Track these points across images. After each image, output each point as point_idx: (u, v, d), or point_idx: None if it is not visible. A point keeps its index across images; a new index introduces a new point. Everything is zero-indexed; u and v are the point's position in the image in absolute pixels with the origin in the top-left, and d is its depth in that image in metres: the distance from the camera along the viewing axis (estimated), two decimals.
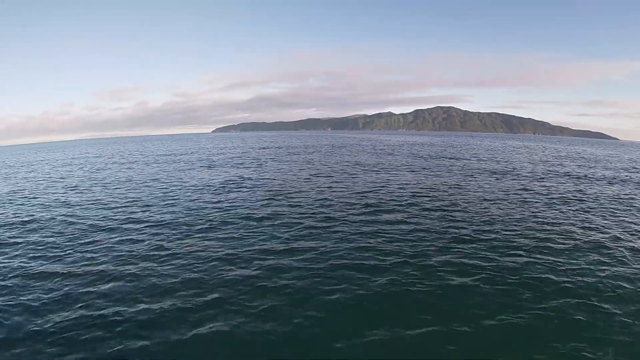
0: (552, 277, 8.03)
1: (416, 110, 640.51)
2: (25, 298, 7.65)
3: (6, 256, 10.07)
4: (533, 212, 13.43)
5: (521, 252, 9.45)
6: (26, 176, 29.79)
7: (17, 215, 14.71)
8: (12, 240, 11.38)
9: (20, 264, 9.44)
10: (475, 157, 37.50)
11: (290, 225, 12.03)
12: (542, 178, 22.15)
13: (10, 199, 18.39)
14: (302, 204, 15.01)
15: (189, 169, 29.09)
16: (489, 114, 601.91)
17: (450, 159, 34.70)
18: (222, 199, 16.32)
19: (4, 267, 9.28)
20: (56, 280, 8.47)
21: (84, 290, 7.94)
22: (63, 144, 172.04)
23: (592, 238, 10.65)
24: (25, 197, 18.90)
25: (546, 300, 7.07)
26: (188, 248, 10.18)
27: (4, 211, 15.54)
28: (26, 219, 13.97)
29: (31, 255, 10.07)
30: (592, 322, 6.36)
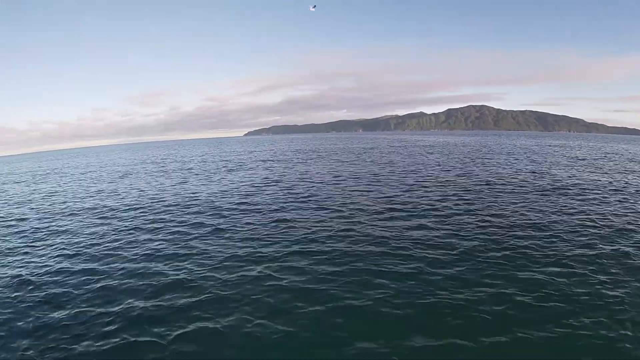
0: (586, 290, 7.37)
1: (448, 110, 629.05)
2: (49, 293, 8.14)
3: (38, 255, 10.60)
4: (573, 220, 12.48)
5: (557, 262, 8.73)
6: (58, 181, 31.29)
7: (45, 217, 15.31)
8: (42, 242, 11.93)
9: (48, 262, 10.02)
10: (512, 159, 35.87)
11: (313, 227, 12.03)
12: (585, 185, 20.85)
13: (42, 203, 19.18)
14: (328, 207, 14.92)
15: (218, 172, 29.60)
16: (522, 112, 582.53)
17: (484, 159, 33.38)
18: (247, 201, 16.64)
19: (32, 265, 9.71)
20: (81, 276, 9.01)
21: (106, 284, 8.41)
22: (98, 149, 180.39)
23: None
24: (55, 202, 19.63)
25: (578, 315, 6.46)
26: (209, 247, 10.53)
27: (36, 215, 16.17)
28: (54, 221, 14.55)
29: (57, 254, 10.73)
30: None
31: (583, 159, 33.93)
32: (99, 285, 8.37)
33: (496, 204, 14.55)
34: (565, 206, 14.07)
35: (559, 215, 12.81)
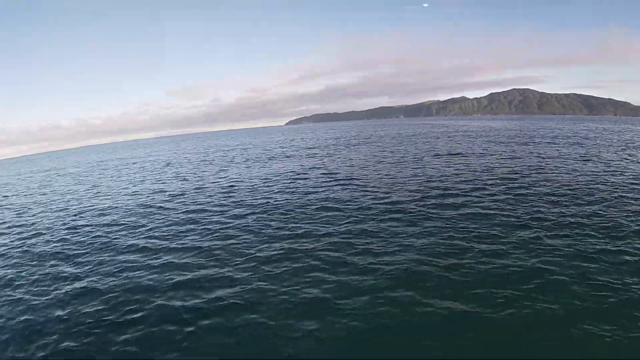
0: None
1: (491, 94, 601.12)
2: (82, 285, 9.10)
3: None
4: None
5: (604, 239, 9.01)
6: (101, 174, 33.66)
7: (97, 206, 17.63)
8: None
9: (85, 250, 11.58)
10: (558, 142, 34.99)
11: (358, 210, 12.41)
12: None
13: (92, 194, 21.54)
14: (370, 190, 15.19)
15: (259, 160, 30.72)
16: (567, 95, 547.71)
17: (530, 144, 32.72)
18: (290, 187, 17.34)
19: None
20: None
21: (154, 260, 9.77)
22: (143, 142, 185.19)
23: None
24: (101, 191, 22.05)
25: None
26: (250, 233, 11.14)
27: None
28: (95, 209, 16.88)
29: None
30: None
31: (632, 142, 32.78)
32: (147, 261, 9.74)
33: (545, 188, 14.43)
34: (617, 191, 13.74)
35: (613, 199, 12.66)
